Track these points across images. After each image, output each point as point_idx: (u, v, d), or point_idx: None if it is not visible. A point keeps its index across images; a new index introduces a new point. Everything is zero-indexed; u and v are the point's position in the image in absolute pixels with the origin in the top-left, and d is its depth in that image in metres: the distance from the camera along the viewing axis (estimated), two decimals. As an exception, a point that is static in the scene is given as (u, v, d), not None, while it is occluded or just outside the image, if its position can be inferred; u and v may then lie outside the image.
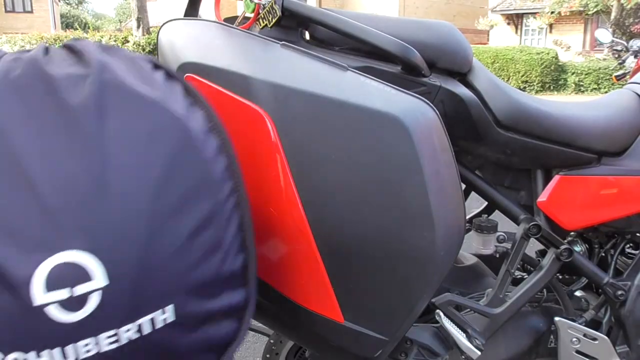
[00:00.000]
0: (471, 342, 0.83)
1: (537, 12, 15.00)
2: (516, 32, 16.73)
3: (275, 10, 0.69)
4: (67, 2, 36.85)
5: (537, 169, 0.92)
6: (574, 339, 0.91)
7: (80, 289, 0.39)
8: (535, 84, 12.17)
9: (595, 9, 13.27)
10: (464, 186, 0.90)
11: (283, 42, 0.66)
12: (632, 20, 12.48)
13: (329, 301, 0.66)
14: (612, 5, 12.83)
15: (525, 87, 12.04)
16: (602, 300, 1.00)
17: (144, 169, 0.43)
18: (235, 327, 0.52)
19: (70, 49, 0.48)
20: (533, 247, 0.97)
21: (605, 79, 11.44)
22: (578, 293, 1.05)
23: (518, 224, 0.90)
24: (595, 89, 11.69)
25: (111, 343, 0.41)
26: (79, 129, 0.42)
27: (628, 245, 1.06)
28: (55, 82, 0.43)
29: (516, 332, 0.95)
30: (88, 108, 0.42)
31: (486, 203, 1.02)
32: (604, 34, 3.81)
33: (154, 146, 0.45)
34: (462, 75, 0.81)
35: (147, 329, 0.42)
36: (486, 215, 1.03)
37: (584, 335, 0.91)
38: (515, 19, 16.62)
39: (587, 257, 1.00)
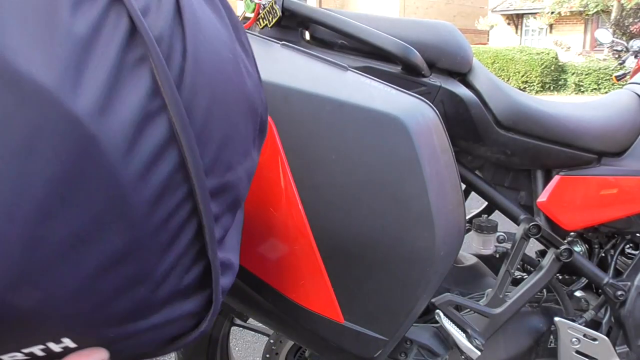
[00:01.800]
0: (471, 342, 0.83)
1: (537, 13, 15.00)
2: (516, 32, 16.73)
3: (276, 10, 0.69)
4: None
5: (537, 169, 0.92)
6: (574, 339, 0.91)
7: None
8: (535, 84, 12.16)
9: (595, 9, 13.28)
10: (464, 186, 0.90)
11: (283, 42, 0.66)
12: (632, 20, 12.47)
13: (329, 301, 0.66)
14: (612, 6, 12.83)
15: (525, 88, 12.04)
16: (602, 301, 1.00)
17: (19, 184, 0.27)
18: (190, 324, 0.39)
19: None
20: (533, 247, 0.97)
21: (606, 79, 11.44)
22: (578, 293, 1.05)
23: (518, 224, 0.90)
24: (595, 89, 11.69)
25: None
26: None
27: (628, 246, 1.06)
28: None
29: (516, 332, 0.95)
30: None
31: (486, 203, 1.02)
32: (604, 34, 3.82)
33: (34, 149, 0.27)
34: (462, 76, 0.81)
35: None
36: (486, 215, 1.04)
37: (584, 335, 0.91)
38: (515, 19, 16.63)
39: (587, 258, 1.00)
